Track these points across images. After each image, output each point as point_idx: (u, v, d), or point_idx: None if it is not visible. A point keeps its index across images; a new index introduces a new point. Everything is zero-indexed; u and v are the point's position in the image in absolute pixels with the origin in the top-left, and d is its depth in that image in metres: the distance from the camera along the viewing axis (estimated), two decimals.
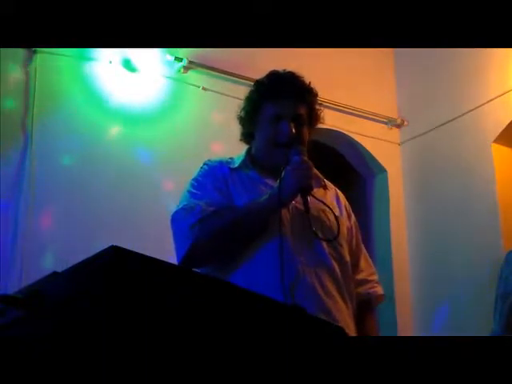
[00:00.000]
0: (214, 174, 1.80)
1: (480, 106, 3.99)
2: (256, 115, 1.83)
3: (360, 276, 1.87)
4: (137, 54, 3.57)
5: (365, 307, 1.87)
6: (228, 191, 1.76)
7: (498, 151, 3.91)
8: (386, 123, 4.58)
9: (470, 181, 4.00)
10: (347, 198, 1.97)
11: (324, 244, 1.72)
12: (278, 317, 1.01)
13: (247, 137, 1.89)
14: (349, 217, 1.91)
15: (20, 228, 3.09)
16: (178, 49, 3.68)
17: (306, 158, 1.71)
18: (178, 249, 1.70)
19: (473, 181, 3.98)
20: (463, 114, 4.10)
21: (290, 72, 1.86)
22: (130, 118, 3.52)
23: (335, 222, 1.74)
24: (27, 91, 3.28)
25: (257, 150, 1.86)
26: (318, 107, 1.88)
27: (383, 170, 4.54)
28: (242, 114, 1.88)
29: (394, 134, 4.61)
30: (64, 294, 0.91)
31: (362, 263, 1.91)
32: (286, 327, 0.99)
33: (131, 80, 3.57)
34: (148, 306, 0.86)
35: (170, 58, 3.67)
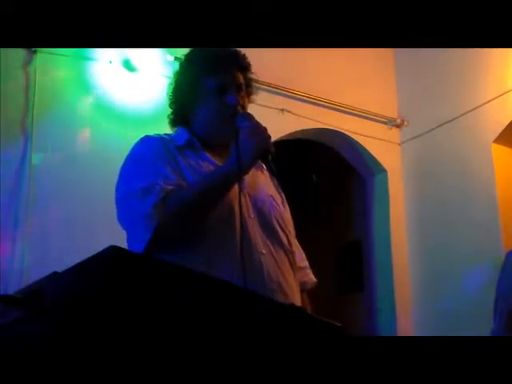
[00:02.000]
0: (161, 151, 1.65)
1: (480, 105, 3.99)
2: (194, 91, 1.70)
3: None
4: (137, 54, 3.57)
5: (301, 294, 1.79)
6: (179, 169, 1.61)
7: (498, 151, 3.92)
8: (386, 123, 4.58)
9: (470, 180, 4.00)
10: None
11: (280, 233, 1.65)
12: (278, 317, 1.01)
13: (182, 118, 1.76)
14: (285, 200, 1.82)
15: (20, 228, 3.09)
16: (178, 49, 3.67)
17: (257, 122, 1.59)
18: (139, 233, 1.51)
19: (473, 181, 3.98)
20: (463, 114, 4.10)
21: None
22: (130, 118, 3.52)
23: (282, 207, 1.71)
24: (27, 91, 3.28)
25: (200, 129, 1.71)
26: (251, 75, 1.77)
27: (383, 170, 4.55)
28: (177, 92, 1.76)
29: (394, 134, 4.61)
30: (64, 293, 0.91)
31: (296, 250, 1.81)
32: (286, 327, 0.99)
33: (131, 80, 3.57)
34: (148, 305, 0.86)
35: (170, 57, 3.67)
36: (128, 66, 3.57)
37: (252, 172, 1.65)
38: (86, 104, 3.43)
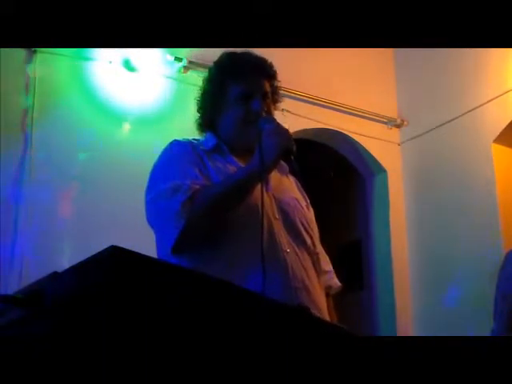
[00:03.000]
0: (190, 155, 1.70)
1: (480, 105, 3.99)
2: (221, 97, 1.75)
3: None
4: (137, 54, 3.57)
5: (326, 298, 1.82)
6: (207, 172, 1.66)
7: (498, 151, 3.92)
8: (386, 123, 4.58)
9: (470, 181, 4.00)
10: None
11: (304, 234, 1.70)
12: (279, 317, 1.01)
13: (210, 123, 1.80)
14: (310, 206, 1.87)
15: (20, 228, 3.09)
16: (178, 49, 3.68)
17: (280, 124, 1.65)
18: (166, 232, 1.57)
19: (473, 181, 3.98)
20: (463, 114, 4.10)
21: (247, 51, 1.79)
22: (130, 118, 3.52)
23: (306, 209, 1.76)
24: (27, 91, 3.28)
25: (226, 134, 1.76)
26: (278, 84, 1.82)
27: (383, 170, 4.55)
28: (204, 98, 1.81)
29: (394, 134, 4.61)
30: (64, 293, 0.91)
31: (320, 253, 1.85)
32: (288, 327, 0.99)
33: (131, 80, 3.57)
34: (148, 305, 0.86)
35: (170, 57, 3.68)
36: (128, 66, 3.56)
37: (277, 176, 1.73)
38: (85, 104, 3.43)
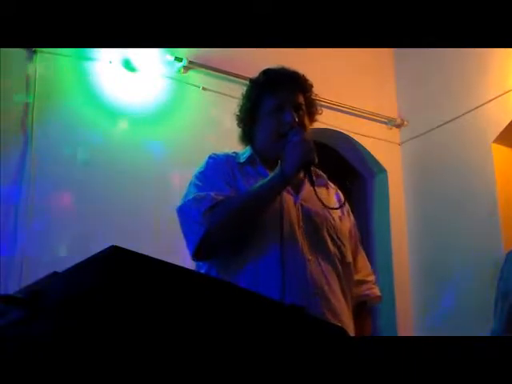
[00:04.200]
0: (222, 168, 1.80)
1: (480, 106, 3.99)
2: (256, 111, 1.84)
3: (357, 276, 1.88)
4: (137, 54, 3.57)
5: (361, 308, 1.88)
6: (236, 185, 1.76)
7: (498, 151, 3.92)
8: (386, 123, 4.58)
9: (470, 181, 4.00)
10: (347, 198, 1.97)
11: (330, 244, 1.74)
12: (279, 317, 1.01)
13: (248, 136, 1.89)
14: (349, 217, 1.92)
15: (20, 227, 3.09)
16: (178, 49, 3.68)
17: (306, 137, 1.73)
18: (190, 238, 1.69)
19: (473, 181, 3.98)
20: (463, 114, 4.10)
21: (282, 66, 1.88)
22: (130, 118, 3.52)
23: (338, 220, 1.81)
24: (27, 91, 3.28)
25: (260, 146, 1.85)
26: (314, 96, 1.91)
27: (383, 170, 4.54)
28: (242, 112, 1.88)
29: (394, 134, 4.61)
30: (64, 293, 0.91)
31: (360, 263, 1.92)
32: (287, 327, 0.99)
33: (131, 80, 3.57)
34: (148, 306, 0.86)
35: (170, 57, 3.68)
36: (128, 65, 3.56)
37: (308, 187, 1.79)
38: (85, 104, 3.43)
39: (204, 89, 3.75)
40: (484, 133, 3.96)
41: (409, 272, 4.35)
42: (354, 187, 4.89)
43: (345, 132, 4.38)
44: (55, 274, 0.93)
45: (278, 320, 1.00)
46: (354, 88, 4.46)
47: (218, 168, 1.80)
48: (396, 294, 4.26)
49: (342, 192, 1.96)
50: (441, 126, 4.26)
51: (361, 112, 4.43)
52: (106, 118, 3.47)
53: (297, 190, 1.80)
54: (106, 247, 0.85)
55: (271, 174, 1.70)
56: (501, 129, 3.86)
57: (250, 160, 1.83)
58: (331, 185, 1.94)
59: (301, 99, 1.85)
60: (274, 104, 1.80)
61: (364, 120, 4.47)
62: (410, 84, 4.62)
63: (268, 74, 1.87)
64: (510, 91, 3.82)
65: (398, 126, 4.61)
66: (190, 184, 1.80)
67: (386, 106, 4.59)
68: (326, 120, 4.53)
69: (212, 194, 1.69)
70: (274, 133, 1.80)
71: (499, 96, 3.87)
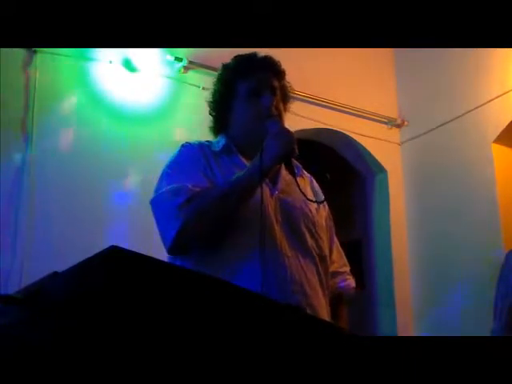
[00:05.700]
0: (197, 157, 1.71)
1: (480, 106, 3.99)
2: (231, 96, 1.75)
3: (332, 268, 1.83)
4: (137, 54, 3.57)
5: (337, 299, 1.83)
6: (212, 174, 1.68)
7: (498, 151, 3.92)
8: (386, 123, 4.58)
9: (470, 181, 4.00)
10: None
11: (308, 238, 1.70)
12: (278, 317, 1.01)
13: (222, 123, 1.80)
14: (324, 207, 1.86)
15: (20, 228, 3.09)
16: (178, 49, 3.68)
17: (285, 126, 1.66)
18: (165, 233, 1.59)
19: (473, 181, 3.99)
20: (463, 114, 4.10)
21: (254, 51, 1.81)
22: (130, 118, 3.53)
23: (315, 212, 1.75)
24: (27, 91, 3.28)
25: (237, 133, 1.76)
26: (287, 83, 1.82)
27: (383, 170, 4.55)
28: (215, 99, 1.79)
29: (394, 134, 4.61)
30: (64, 293, 0.91)
31: (335, 254, 1.87)
32: (286, 327, 0.99)
33: (131, 80, 3.58)
34: (148, 305, 0.86)
35: (170, 57, 3.68)
36: (128, 65, 3.57)
37: (287, 178, 1.72)
38: (86, 104, 3.43)
39: (204, 89, 3.75)
40: (484, 133, 3.96)
41: (409, 272, 4.35)
42: (353, 187, 4.90)
43: (345, 132, 4.38)
44: (55, 273, 0.93)
45: (278, 320, 1.00)
46: (354, 88, 4.47)
47: (192, 157, 1.71)
48: (396, 293, 4.27)
49: (318, 182, 1.89)
50: (441, 126, 4.26)
51: (361, 112, 4.43)
52: (106, 118, 3.47)
53: (273, 180, 1.72)
54: (106, 247, 0.85)
55: (249, 166, 1.61)
56: (501, 129, 3.86)
57: (225, 149, 1.74)
58: (306, 173, 1.86)
59: (275, 83, 1.76)
60: (250, 88, 1.72)
61: (364, 120, 4.47)
62: (410, 84, 4.62)
63: (240, 58, 1.79)
64: (510, 91, 3.82)
65: (398, 126, 4.61)
66: (163, 174, 1.71)
67: (386, 106, 4.59)
68: (326, 120, 4.55)
69: (189, 185, 1.60)
70: (252, 118, 1.71)
71: (499, 96, 3.87)
